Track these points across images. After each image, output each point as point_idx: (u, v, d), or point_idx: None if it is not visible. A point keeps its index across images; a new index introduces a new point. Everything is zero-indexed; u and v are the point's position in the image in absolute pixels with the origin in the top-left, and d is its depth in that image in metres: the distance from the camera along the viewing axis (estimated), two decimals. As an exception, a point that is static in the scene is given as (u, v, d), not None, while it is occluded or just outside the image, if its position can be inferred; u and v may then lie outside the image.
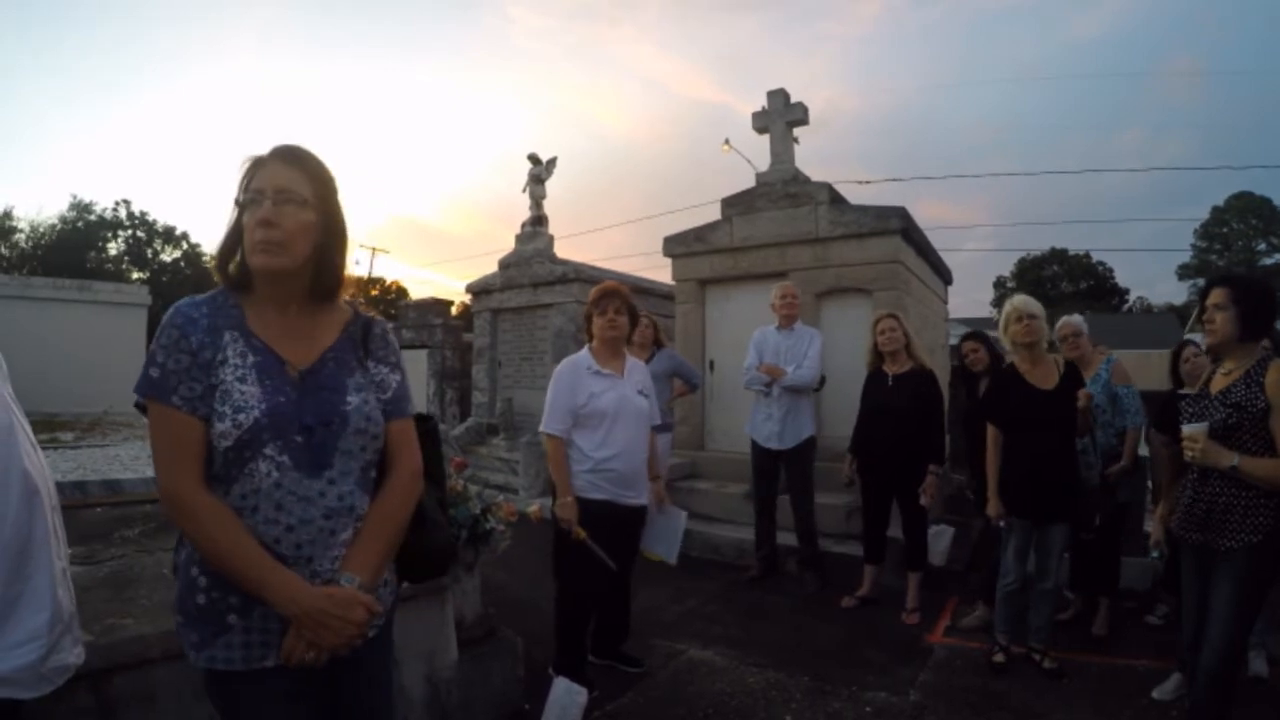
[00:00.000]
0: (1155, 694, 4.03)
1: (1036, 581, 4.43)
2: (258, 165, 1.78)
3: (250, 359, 1.73)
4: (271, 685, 1.71)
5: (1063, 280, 57.24)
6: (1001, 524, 4.50)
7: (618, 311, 4.15)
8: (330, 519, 1.74)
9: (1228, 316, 3.20)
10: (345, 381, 1.84)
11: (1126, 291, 57.85)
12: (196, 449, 1.66)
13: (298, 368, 1.79)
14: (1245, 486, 3.07)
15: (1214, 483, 3.17)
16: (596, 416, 4.09)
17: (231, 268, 1.80)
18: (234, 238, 1.79)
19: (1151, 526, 3.97)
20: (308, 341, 1.84)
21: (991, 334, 5.74)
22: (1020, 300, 4.50)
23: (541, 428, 4.15)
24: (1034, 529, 4.41)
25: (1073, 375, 4.44)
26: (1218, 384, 3.29)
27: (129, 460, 6.20)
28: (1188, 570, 3.41)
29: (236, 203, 1.78)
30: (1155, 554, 4.13)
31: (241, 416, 1.66)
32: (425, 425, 2.08)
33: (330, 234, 1.82)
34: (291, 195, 1.74)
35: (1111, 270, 57.02)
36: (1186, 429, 3.21)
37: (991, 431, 4.57)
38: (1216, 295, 3.26)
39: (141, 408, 1.72)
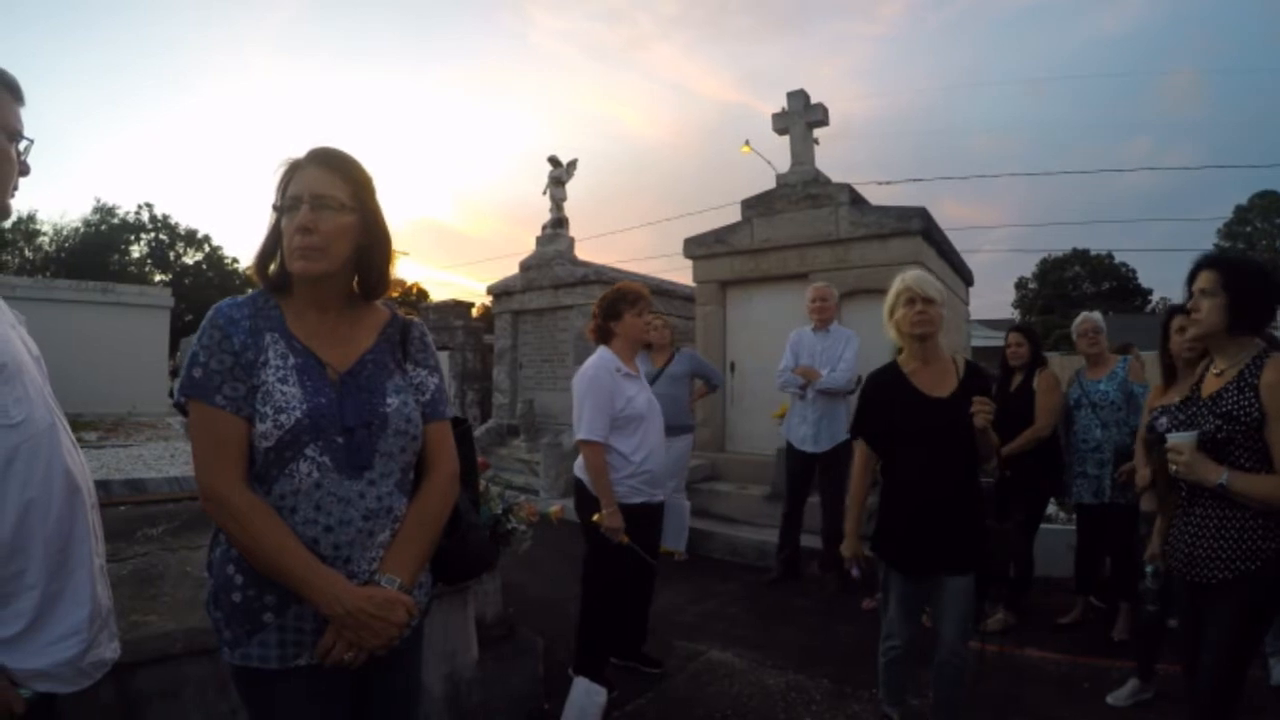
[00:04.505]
0: (1109, 699, 4.01)
1: (936, 650, 3.37)
2: (294, 170, 1.79)
3: (291, 360, 1.75)
4: (304, 684, 1.72)
5: (1085, 281, 56.87)
6: (855, 571, 3.57)
7: (654, 315, 4.13)
8: (369, 520, 1.75)
9: (1215, 304, 2.71)
10: (384, 383, 1.85)
11: (1149, 292, 57.31)
12: (239, 448, 1.68)
13: (338, 370, 1.80)
14: (1237, 507, 2.61)
15: (1203, 503, 2.73)
16: (635, 420, 4.04)
17: (271, 269, 1.82)
18: (272, 241, 1.81)
19: (1152, 540, 3.54)
20: (347, 344, 1.86)
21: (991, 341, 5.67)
22: (915, 277, 3.44)
23: (582, 435, 3.99)
24: (922, 580, 3.41)
25: (974, 379, 3.38)
26: (1209, 386, 2.82)
27: (152, 460, 6.24)
28: (1180, 593, 3.01)
29: (274, 208, 1.79)
30: (1150, 569, 3.60)
31: (283, 417, 1.67)
32: (459, 428, 2.08)
33: (371, 235, 1.83)
34: (329, 200, 1.74)
35: (1134, 271, 56.60)
36: (1172, 439, 2.75)
37: (860, 450, 3.58)
38: (1204, 279, 2.76)
39: (181, 408, 1.74)
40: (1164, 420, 3.77)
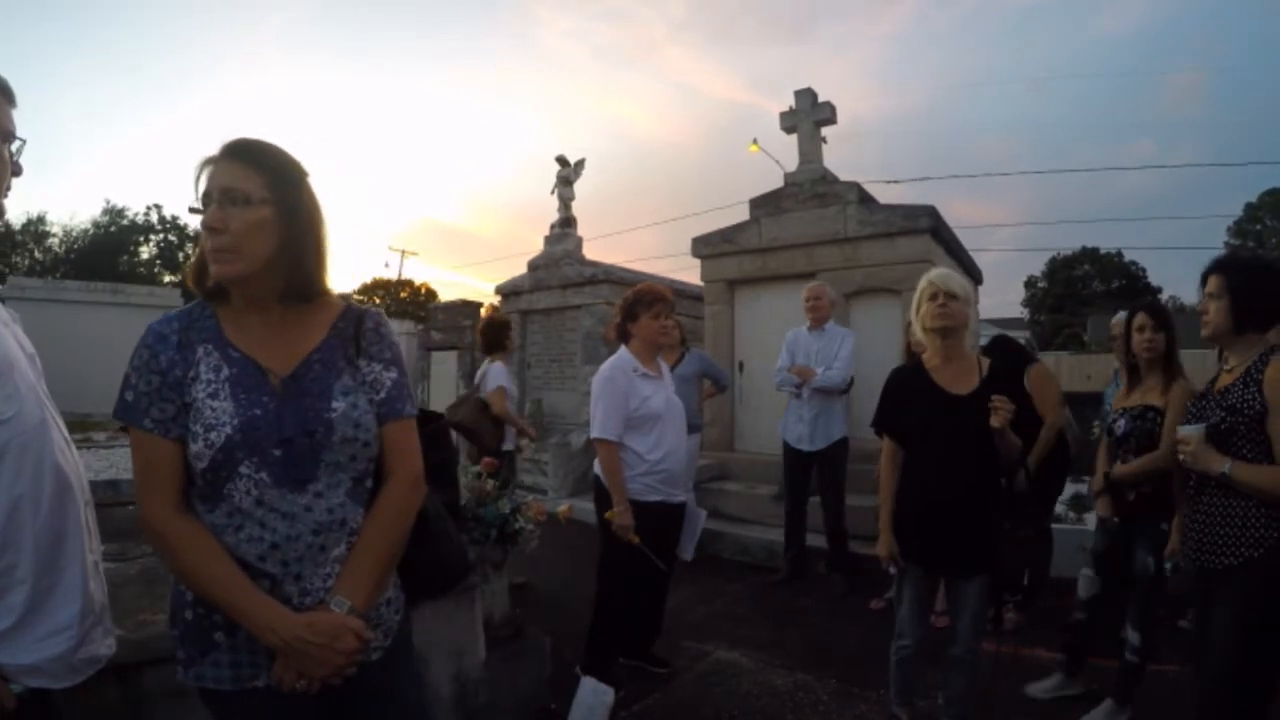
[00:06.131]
0: (1028, 690, 4.10)
1: (949, 644, 3.43)
2: (207, 166, 1.66)
3: (225, 372, 1.64)
4: (265, 705, 1.63)
5: (1094, 279, 56.72)
6: (893, 570, 3.54)
7: (668, 317, 4.16)
8: (320, 534, 1.64)
9: (1221, 306, 2.87)
10: (331, 385, 1.71)
11: (1159, 290, 57.09)
12: (169, 472, 1.60)
13: (279, 375, 1.68)
14: (1241, 496, 2.72)
15: (1210, 492, 2.84)
16: (650, 419, 4.07)
17: (208, 278, 1.68)
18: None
19: (1171, 536, 3.61)
20: (291, 345, 1.73)
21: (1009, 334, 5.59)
22: (940, 274, 3.47)
23: (596, 434, 4.06)
24: (939, 577, 3.58)
25: (997, 379, 3.37)
26: (1222, 382, 2.93)
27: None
28: (1195, 587, 3.02)
29: (190, 209, 1.67)
30: (1169, 564, 3.62)
31: (213, 435, 1.57)
32: (430, 426, 1.96)
33: (294, 229, 1.68)
34: (236, 194, 1.61)
35: (1144, 270, 56.43)
36: (1181, 431, 2.93)
37: (887, 446, 3.59)
38: (1212, 283, 2.92)
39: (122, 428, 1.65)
40: (1122, 423, 3.80)
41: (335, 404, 1.69)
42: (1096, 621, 4.12)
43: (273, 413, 1.63)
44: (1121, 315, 5.02)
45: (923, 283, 3.46)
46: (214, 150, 1.67)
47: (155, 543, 1.61)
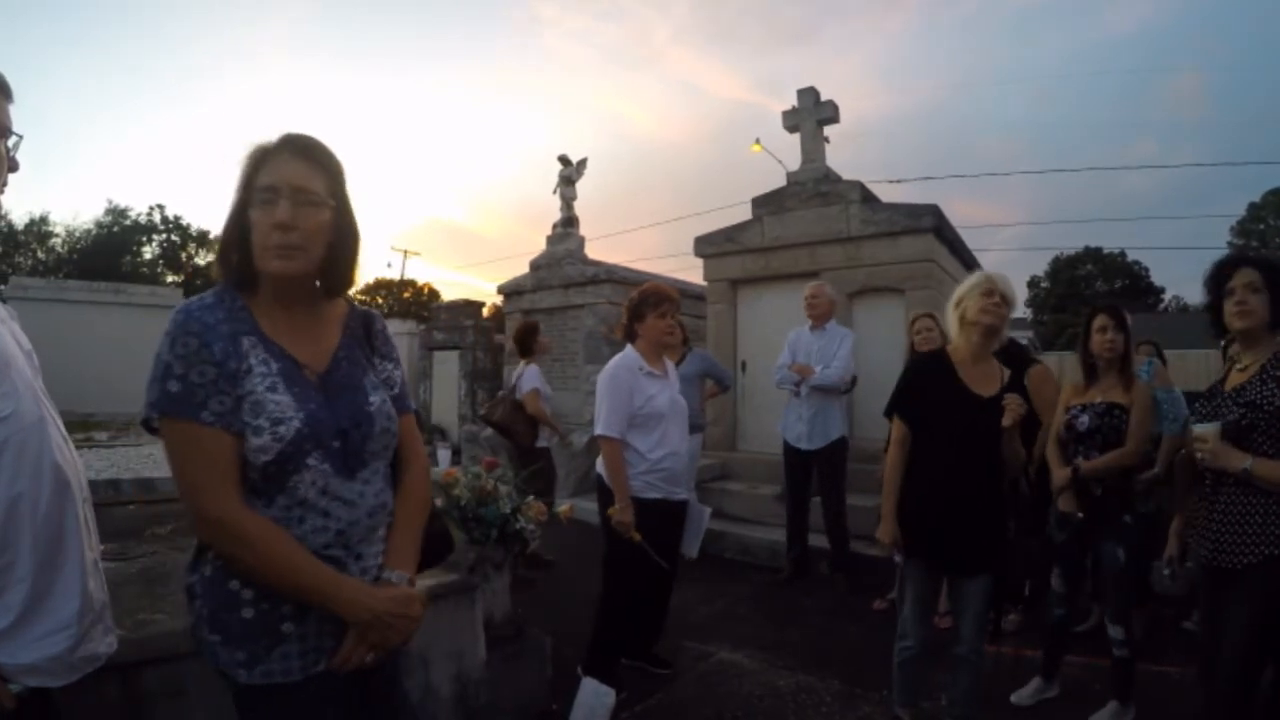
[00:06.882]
0: (1013, 698, 4.05)
1: (953, 645, 3.45)
2: (267, 157, 1.66)
3: (274, 365, 1.65)
4: (324, 690, 1.67)
5: (1097, 279, 56.54)
6: (897, 559, 3.58)
7: (673, 316, 4.17)
8: (373, 516, 1.75)
9: (1264, 300, 2.85)
10: (362, 381, 1.80)
11: (1162, 290, 56.95)
12: (233, 466, 1.57)
13: (315, 371, 1.73)
14: (1261, 493, 2.73)
15: (1228, 490, 2.84)
16: (654, 418, 4.08)
17: (235, 261, 1.68)
18: (236, 231, 1.67)
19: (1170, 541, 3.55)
20: (316, 341, 1.77)
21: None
22: (999, 275, 3.43)
23: (599, 431, 4.05)
24: (943, 577, 3.54)
25: (1018, 386, 3.36)
26: (1233, 380, 2.95)
27: (162, 459, 6.24)
28: (1203, 586, 3.07)
29: (241, 197, 1.66)
30: (1166, 570, 3.49)
31: (281, 429, 1.58)
32: None
33: (343, 230, 1.73)
34: (309, 195, 1.64)
35: (1146, 269, 56.24)
36: (1197, 429, 2.93)
37: (898, 429, 3.50)
38: (1248, 275, 2.89)
39: (149, 426, 1.61)
40: (1085, 419, 3.79)
41: (372, 399, 1.78)
42: (1071, 618, 4.16)
43: (324, 406, 1.69)
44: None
45: (978, 277, 3.43)
46: (271, 141, 1.69)
47: (231, 540, 1.57)
